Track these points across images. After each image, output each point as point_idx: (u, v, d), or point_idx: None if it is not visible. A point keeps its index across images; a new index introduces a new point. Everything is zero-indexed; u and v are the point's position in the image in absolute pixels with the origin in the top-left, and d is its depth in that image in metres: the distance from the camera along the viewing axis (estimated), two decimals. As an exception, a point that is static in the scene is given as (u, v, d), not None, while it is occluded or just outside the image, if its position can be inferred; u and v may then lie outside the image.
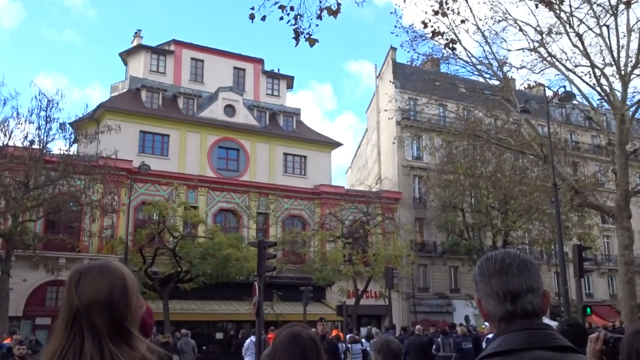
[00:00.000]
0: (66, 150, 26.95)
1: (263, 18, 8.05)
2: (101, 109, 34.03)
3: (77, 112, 49.77)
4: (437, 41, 21.03)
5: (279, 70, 43.28)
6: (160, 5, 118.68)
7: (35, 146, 25.28)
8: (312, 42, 8.29)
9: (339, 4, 8.32)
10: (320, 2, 8.26)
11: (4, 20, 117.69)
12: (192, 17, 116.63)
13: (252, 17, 8.04)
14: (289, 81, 43.66)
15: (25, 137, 25.26)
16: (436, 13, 13.63)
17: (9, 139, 25.07)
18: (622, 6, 19.16)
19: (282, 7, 8.02)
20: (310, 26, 8.25)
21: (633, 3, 13.78)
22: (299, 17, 8.14)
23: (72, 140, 27.50)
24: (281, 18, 8.14)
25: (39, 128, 25.53)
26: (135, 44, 40.04)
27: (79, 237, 28.93)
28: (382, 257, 32.03)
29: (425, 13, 18.42)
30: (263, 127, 39.32)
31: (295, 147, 39.80)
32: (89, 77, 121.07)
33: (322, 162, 40.58)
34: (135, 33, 40.69)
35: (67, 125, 27.16)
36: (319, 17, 8.26)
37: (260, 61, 42.21)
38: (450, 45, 18.57)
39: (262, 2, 7.93)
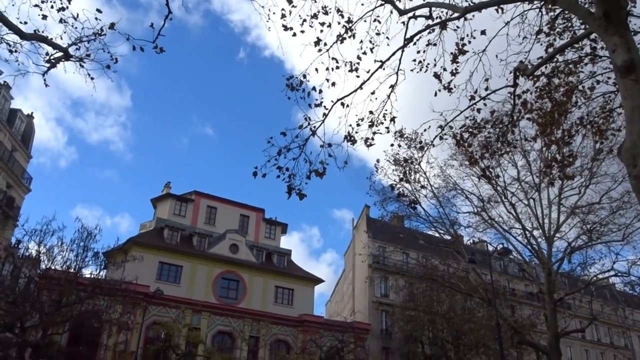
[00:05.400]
0: (96, 275, 26.22)
1: (264, 175, 8.11)
2: (130, 243, 33.69)
3: (109, 242, 49.42)
4: (402, 201, 21.68)
5: (276, 218, 43.78)
6: (186, 156, 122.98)
7: (72, 270, 24.61)
8: (301, 196, 8.19)
9: (324, 168, 8.40)
10: (310, 165, 8.36)
11: (61, 163, 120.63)
12: (211, 170, 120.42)
13: (255, 174, 8.08)
14: (284, 227, 43.97)
15: (65, 262, 24.67)
16: (401, 180, 14.31)
17: (52, 263, 24.49)
18: (543, 185, 20.13)
19: (279, 168, 8.21)
20: (300, 183, 8.24)
21: (555, 182, 14.52)
22: (292, 176, 8.23)
23: (103, 267, 26.90)
24: (278, 176, 8.21)
25: (77, 255, 25.05)
26: (164, 192, 40.77)
27: (96, 351, 27.10)
28: (354, 381, 30.01)
29: (393, 181, 19.24)
30: (260, 264, 38.82)
31: (286, 281, 38.99)
32: (120, 208, 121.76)
33: (307, 294, 39.55)
34: (166, 184, 41.65)
35: (101, 254, 26.74)
36: (308, 177, 8.31)
37: (262, 210, 42.84)
38: (412, 205, 19.18)
39: (264, 163, 8.11)
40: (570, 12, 8.05)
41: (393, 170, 20.19)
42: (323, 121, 8.50)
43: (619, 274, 20.94)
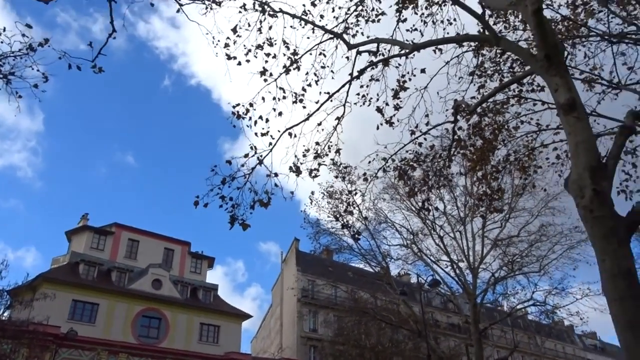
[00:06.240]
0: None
1: (206, 205, 7.71)
2: (40, 279, 30.87)
3: (16, 279, 45.14)
4: (344, 233, 21.81)
5: (202, 252, 42.21)
6: (104, 185, 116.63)
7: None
8: (245, 226, 7.89)
9: (269, 198, 8.21)
10: (256, 195, 8.15)
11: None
12: (133, 201, 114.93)
13: (196, 203, 7.67)
14: (210, 261, 42.47)
15: (-38, 303, 22.07)
16: (345, 211, 14.53)
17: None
18: (468, 218, 21.12)
19: (222, 198, 7.92)
20: (244, 214, 7.98)
21: (486, 215, 15.28)
22: (236, 206, 7.97)
23: (7, 306, 24.34)
24: (221, 206, 7.89)
25: (-23, 294, 22.54)
26: (81, 224, 38.14)
27: (-6, 402, 24.14)
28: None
29: (329, 214, 19.40)
30: (184, 300, 37.02)
31: (211, 318, 37.37)
32: (25, 241, 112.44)
33: (233, 331, 38.09)
34: (83, 216, 39.00)
35: (5, 293, 24.20)
36: (252, 207, 8.08)
37: (187, 244, 41.20)
38: (356, 236, 19.40)
39: (206, 192, 7.77)
40: (514, 54, 8.65)
41: (328, 202, 20.37)
42: (271, 150, 8.40)
43: (537, 304, 22.26)
